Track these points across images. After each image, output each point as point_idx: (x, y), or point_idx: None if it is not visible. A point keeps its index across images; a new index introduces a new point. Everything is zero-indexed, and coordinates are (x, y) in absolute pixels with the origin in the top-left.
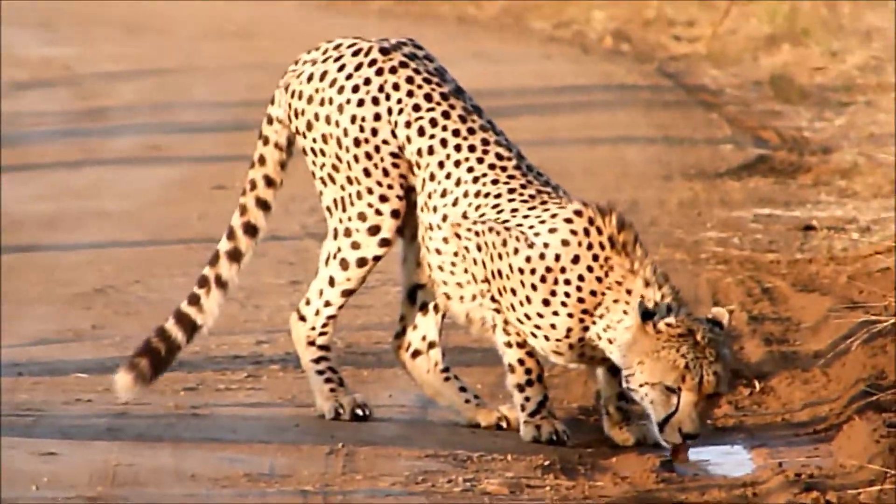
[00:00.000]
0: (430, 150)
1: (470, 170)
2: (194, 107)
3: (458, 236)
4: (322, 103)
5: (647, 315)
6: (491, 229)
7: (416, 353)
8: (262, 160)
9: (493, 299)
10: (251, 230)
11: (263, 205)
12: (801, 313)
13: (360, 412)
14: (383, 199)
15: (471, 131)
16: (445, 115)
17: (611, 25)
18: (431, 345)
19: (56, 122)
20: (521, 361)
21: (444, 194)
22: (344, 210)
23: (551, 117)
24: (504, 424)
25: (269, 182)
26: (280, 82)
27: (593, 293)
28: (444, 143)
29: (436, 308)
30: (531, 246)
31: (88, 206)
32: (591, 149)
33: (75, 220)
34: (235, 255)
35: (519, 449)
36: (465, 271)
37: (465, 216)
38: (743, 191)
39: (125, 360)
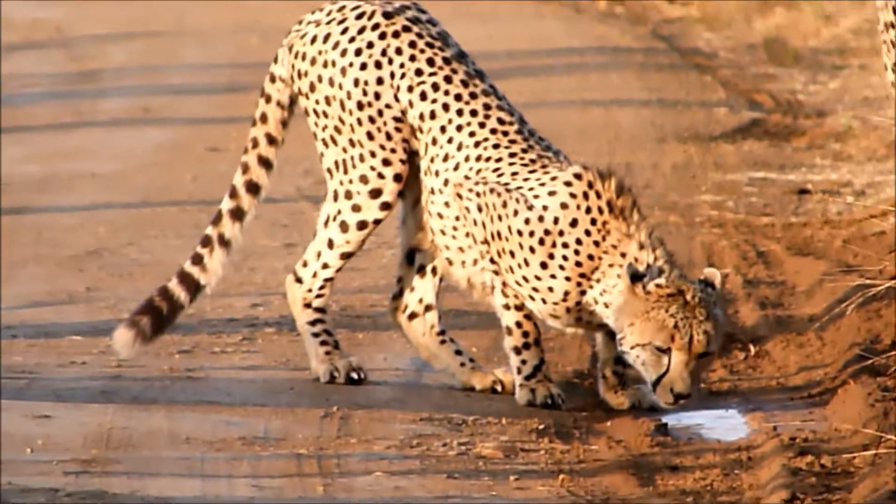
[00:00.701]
0: (432, 115)
1: (472, 134)
2: (186, 69)
3: (459, 196)
4: (325, 65)
5: (636, 277)
6: (492, 190)
7: (412, 316)
8: (263, 118)
9: (491, 261)
10: (253, 188)
11: (265, 163)
12: (796, 277)
13: (354, 375)
14: (386, 162)
15: (473, 96)
16: (447, 79)
17: None
18: (428, 308)
19: (47, 84)
20: (518, 324)
21: (445, 158)
22: (345, 172)
23: (544, 79)
24: (499, 388)
25: (271, 140)
26: (284, 41)
27: (591, 257)
28: (445, 107)
29: (433, 271)
30: (530, 208)
31: (80, 168)
32: (584, 111)
33: (67, 182)
34: (238, 214)
35: (514, 412)
36: (467, 235)
37: (466, 179)
38: (737, 154)
39: (126, 318)
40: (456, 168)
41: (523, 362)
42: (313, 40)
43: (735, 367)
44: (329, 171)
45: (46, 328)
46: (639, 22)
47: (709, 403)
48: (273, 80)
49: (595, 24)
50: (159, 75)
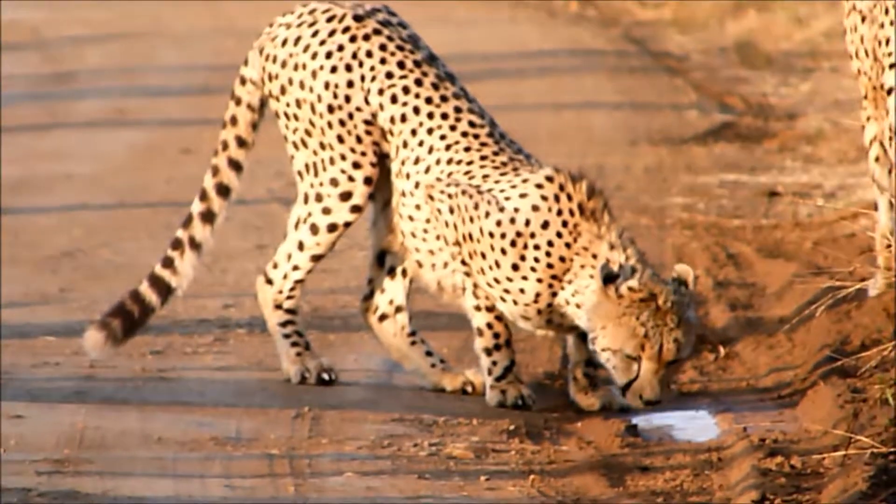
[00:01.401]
0: (403, 118)
1: (442, 137)
2: (161, 71)
3: (431, 198)
4: (296, 68)
5: (609, 278)
6: (464, 192)
7: (383, 317)
8: (233, 120)
9: (463, 262)
10: (224, 191)
11: (235, 165)
12: (767, 279)
13: (326, 376)
14: (356, 165)
15: (443, 99)
16: (418, 82)
17: None
18: (398, 309)
19: (23, 85)
20: (489, 325)
21: (416, 161)
22: (316, 175)
23: (517, 82)
24: (469, 389)
25: (241, 143)
26: (254, 44)
27: (562, 259)
28: (416, 110)
29: (404, 273)
30: (502, 210)
31: (56, 170)
32: (556, 114)
33: (43, 183)
34: (209, 217)
35: (484, 413)
36: (438, 238)
37: (438, 180)
38: (708, 156)
39: (97, 319)
40: (427, 171)
41: (494, 363)
42: (284, 43)
43: (705, 368)
44: (299, 173)
45: (20, 328)
46: (611, 25)
47: (679, 404)
48: (243, 82)
49: (567, 26)
50: (135, 77)
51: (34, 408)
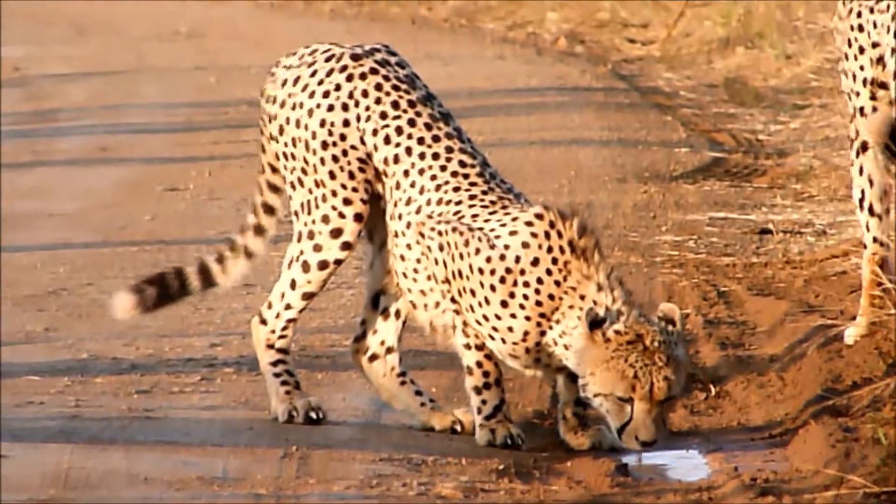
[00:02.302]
0: (396, 159)
1: (433, 178)
2: (144, 108)
3: (422, 235)
4: (294, 107)
5: (595, 324)
6: (454, 229)
7: (373, 357)
8: (262, 169)
9: (452, 300)
10: (269, 210)
11: (269, 210)
12: (757, 317)
13: (313, 415)
14: (347, 202)
15: (435, 139)
16: (411, 123)
17: (565, 27)
18: (389, 350)
19: (5, 122)
20: (479, 364)
21: (408, 202)
22: (309, 213)
23: (504, 119)
24: (458, 428)
25: (273, 189)
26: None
27: (551, 297)
28: (409, 151)
29: (397, 314)
30: (492, 247)
31: (38, 208)
32: (544, 150)
33: (26, 221)
34: (259, 230)
35: (473, 452)
36: (428, 278)
37: (429, 217)
38: (698, 194)
39: (131, 284)
40: (418, 211)
41: (483, 402)
42: (284, 83)
43: (696, 407)
44: (296, 213)
45: (5, 368)
46: (599, 61)
47: (670, 444)
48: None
49: (555, 63)
50: (117, 114)
51: (18, 447)
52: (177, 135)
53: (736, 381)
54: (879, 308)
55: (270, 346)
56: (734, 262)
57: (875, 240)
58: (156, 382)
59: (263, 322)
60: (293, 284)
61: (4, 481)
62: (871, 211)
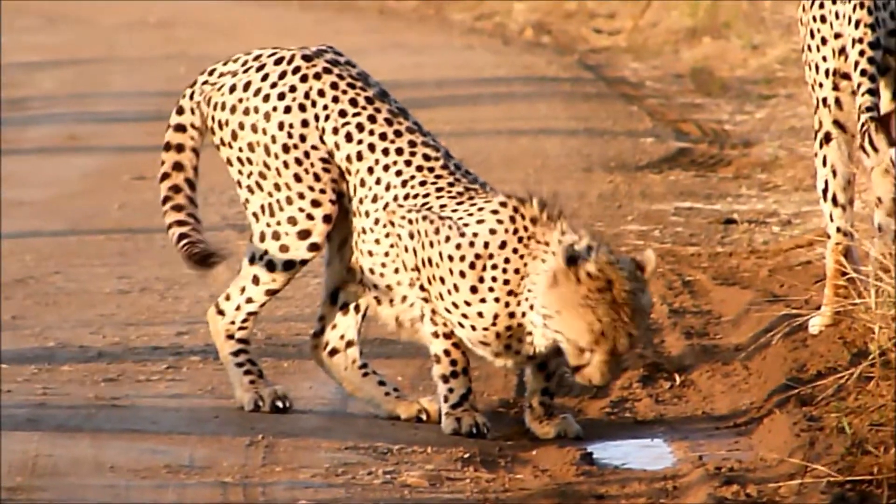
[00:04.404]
0: (359, 156)
1: (398, 173)
2: (114, 97)
3: (391, 224)
4: (247, 112)
5: (571, 260)
6: (424, 217)
7: (333, 352)
8: (179, 167)
9: (421, 288)
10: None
11: (192, 203)
12: (722, 306)
13: (279, 404)
14: (315, 203)
15: (397, 134)
16: (371, 119)
17: (532, 17)
18: (349, 343)
19: None
20: (447, 352)
21: (374, 199)
22: (272, 215)
23: (472, 109)
24: (424, 417)
25: (192, 186)
26: (187, 91)
27: (517, 271)
28: (371, 147)
29: (357, 308)
30: (462, 235)
31: (7, 196)
32: (511, 140)
33: None
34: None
35: (439, 441)
36: (396, 272)
37: (399, 206)
38: (663, 184)
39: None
40: (385, 207)
41: (450, 391)
42: (232, 89)
43: (661, 396)
44: (255, 215)
45: None
46: (566, 52)
47: (634, 432)
48: (183, 130)
49: (522, 53)
50: (87, 103)
51: None
52: (146, 124)
53: (701, 370)
54: (844, 298)
55: (230, 337)
56: (699, 252)
57: (839, 230)
58: (122, 371)
59: (221, 313)
60: (256, 280)
61: None
62: (834, 201)
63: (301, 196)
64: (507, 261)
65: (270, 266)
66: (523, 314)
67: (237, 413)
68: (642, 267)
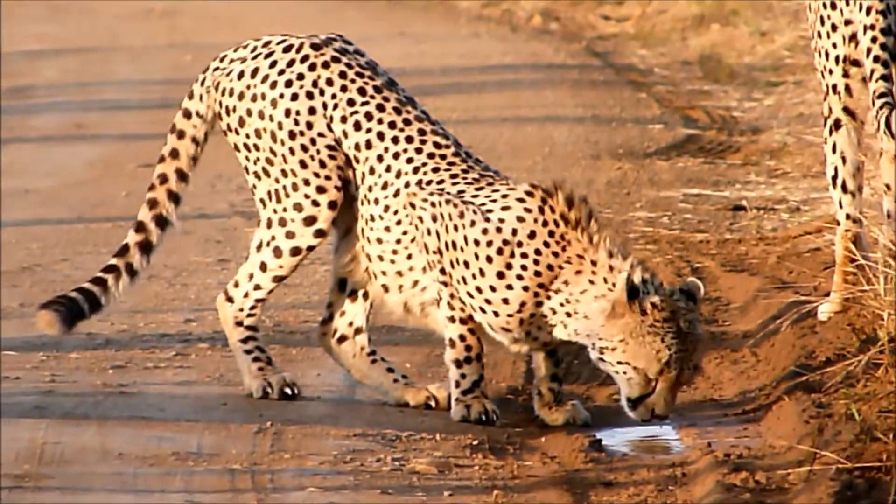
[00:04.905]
0: (368, 145)
1: (409, 160)
2: (118, 85)
3: (412, 206)
4: (254, 99)
5: (633, 292)
6: (448, 201)
7: (342, 339)
8: (175, 154)
9: (442, 271)
10: (162, 223)
11: (175, 198)
12: (731, 293)
13: (288, 391)
14: (321, 190)
15: (407, 122)
16: (380, 108)
17: (539, 4)
18: (358, 330)
19: None
20: (462, 337)
21: (384, 187)
22: (279, 201)
23: (478, 96)
24: (433, 404)
25: (182, 176)
26: (200, 77)
27: (550, 267)
28: (381, 136)
29: (365, 295)
30: (488, 219)
31: (13, 185)
32: (518, 128)
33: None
34: (147, 248)
35: (447, 428)
36: (409, 257)
37: (420, 188)
38: (672, 171)
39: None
40: (396, 195)
41: (462, 376)
42: (241, 76)
43: None
44: (262, 201)
45: None
46: (573, 39)
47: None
48: (188, 116)
49: (529, 41)
50: (92, 91)
51: None
52: (151, 112)
53: (709, 357)
54: (853, 284)
55: (239, 324)
56: (708, 239)
57: (848, 216)
58: (130, 358)
59: (230, 300)
60: (263, 267)
61: None
62: (844, 188)
63: (306, 182)
64: (537, 252)
65: (277, 252)
66: (553, 310)
67: (245, 400)
68: (692, 295)
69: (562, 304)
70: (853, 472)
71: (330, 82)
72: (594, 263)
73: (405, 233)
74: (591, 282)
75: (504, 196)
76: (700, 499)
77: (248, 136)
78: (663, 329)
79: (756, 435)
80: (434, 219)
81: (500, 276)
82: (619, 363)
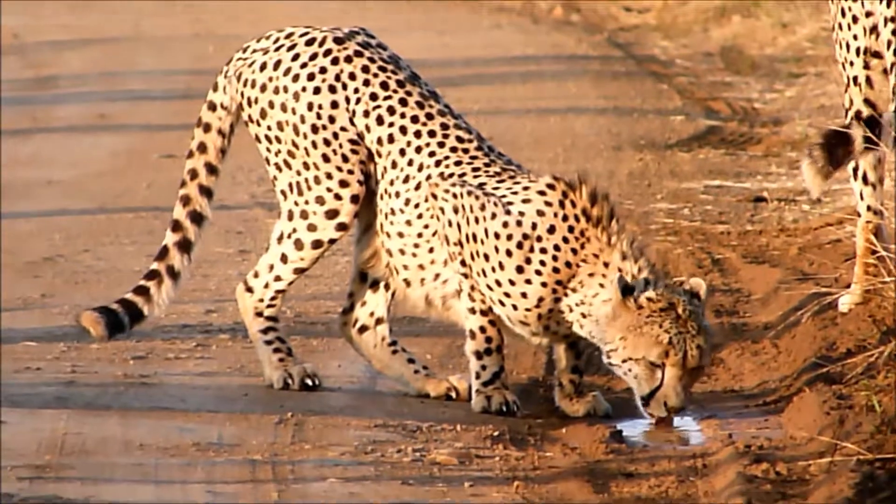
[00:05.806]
0: (391, 139)
1: (431, 154)
2: (142, 76)
3: (434, 197)
4: (277, 91)
5: (626, 290)
6: (470, 193)
7: (363, 329)
8: (203, 148)
9: (462, 263)
10: (198, 219)
11: (207, 192)
12: (752, 285)
13: (309, 382)
14: (343, 184)
15: (429, 117)
16: (403, 102)
17: None
18: (379, 321)
19: (4, 90)
20: (482, 329)
21: (406, 180)
22: (300, 194)
23: (500, 88)
24: (453, 395)
25: (212, 170)
26: (224, 69)
27: (568, 265)
28: (403, 130)
29: (386, 286)
30: (508, 213)
31: (36, 175)
32: (540, 119)
33: (23, 188)
34: (185, 246)
35: (468, 419)
36: (431, 251)
37: (443, 179)
38: (693, 162)
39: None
40: (417, 188)
41: (483, 368)
42: (263, 67)
43: None
44: (283, 192)
45: (2, 334)
46: (595, 30)
47: None
48: (213, 108)
49: (551, 32)
50: (116, 82)
51: (15, 413)
52: (174, 102)
53: (730, 348)
54: (874, 276)
55: (259, 315)
56: (729, 230)
57: (869, 208)
58: (151, 349)
59: (249, 290)
60: (284, 259)
61: (1, 447)
62: (865, 180)
63: (329, 176)
64: (556, 248)
65: (298, 245)
66: (569, 308)
67: (266, 391)
68: (696, 294)
69: (577, 304)
70: (874, 463)
71: (353, 76)
72: (606, 266)
73: (426, 226)
74: (602, 285)
75: (525, 188)
76: (721, 490)
77: (269, 128)
78: (660, 317)
79: (777, 426)
80: (455, 210)
81: (520, 270)
82: (624, 361)
